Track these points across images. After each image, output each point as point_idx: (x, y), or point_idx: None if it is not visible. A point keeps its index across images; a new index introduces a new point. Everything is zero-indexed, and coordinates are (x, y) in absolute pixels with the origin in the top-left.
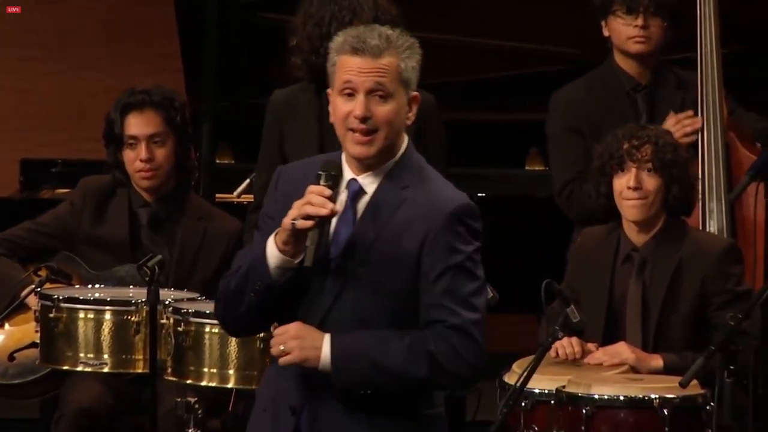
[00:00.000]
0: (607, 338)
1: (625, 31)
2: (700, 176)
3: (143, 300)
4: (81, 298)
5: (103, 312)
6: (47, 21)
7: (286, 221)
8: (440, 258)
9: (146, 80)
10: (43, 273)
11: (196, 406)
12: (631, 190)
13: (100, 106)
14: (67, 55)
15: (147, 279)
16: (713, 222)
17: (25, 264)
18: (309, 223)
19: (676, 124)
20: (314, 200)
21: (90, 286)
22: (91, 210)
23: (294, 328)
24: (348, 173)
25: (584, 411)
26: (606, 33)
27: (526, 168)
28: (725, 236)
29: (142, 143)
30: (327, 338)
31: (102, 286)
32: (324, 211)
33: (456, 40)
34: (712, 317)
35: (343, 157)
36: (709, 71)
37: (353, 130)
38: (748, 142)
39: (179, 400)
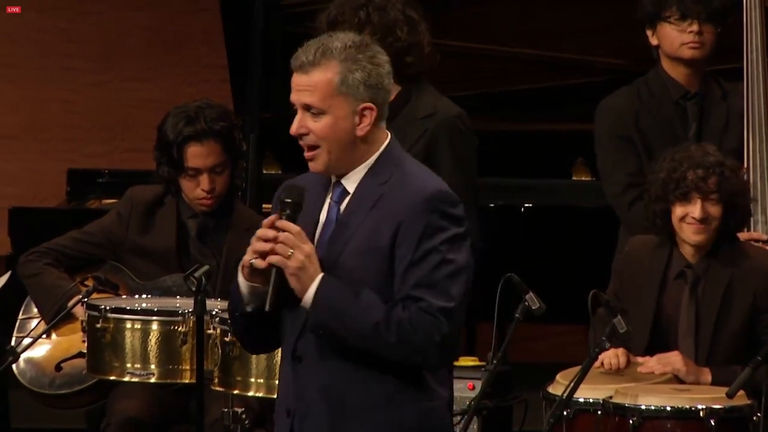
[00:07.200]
0: (652, 351)
1: (678, 38)
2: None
3: (190, 310)
4: (128, 308)
5: (150, 322)
6: (92, 31)
7: (246, 259)
8: (412, 247)
9: (191, 91)
10: (89, 283)
11: (243, 416)
12: (695, 218)
13: (145, 117)
14: (112, 65)
15: (194, 289)
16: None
17: (72, 274)
18: (264, 263)
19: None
20: (258, 246)
21: (137, 296)
22: (138, 219)
23: (311, 249)
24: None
25: (631, 421)
26: (654, 41)
27: (573, 178)
28: None
29: (204, 174)
30: (320, 276)
31: (149, 296)
32: (272, 260)
33: (502, 50)
34: (762, 333)
35: None
36: (755, 81)
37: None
38: None
39: (226, 410)
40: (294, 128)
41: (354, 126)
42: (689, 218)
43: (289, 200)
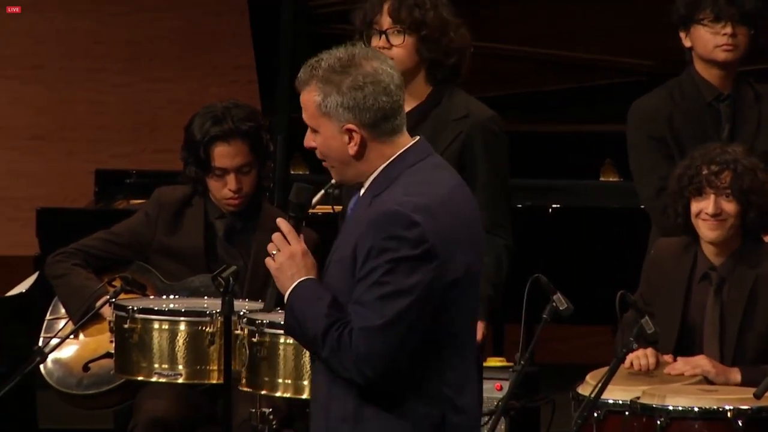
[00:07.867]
0: (679, 353)
1: (712, 40)
2: None
3: (218, 311)
4: (156, 308)
5: (177, 323)
6: (119, 33)
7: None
8: (360, 264)
9: (219, 92)
10: (117, 283)
11: (271, 417)
12: (708, 213)
13: (173, 118)
14: (140, 66)
15: (221, 290)
16: None
17: (100, 274)
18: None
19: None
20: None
21: (164, 296)
22: (166, 220)
23: (297, 250)
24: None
25: (659, 422)
26: (687, 43)
27: (601, 179)
28: None
29: (231, 174)
30: (299, 279)
31: (176, 296)
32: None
33: (533, 51)
34: None
35: None
36: None
37: None
38: None
39: (254, 410)
40: (305, 142)
41: (345, 145)
42: (703, 214)
43: (294, 201)
